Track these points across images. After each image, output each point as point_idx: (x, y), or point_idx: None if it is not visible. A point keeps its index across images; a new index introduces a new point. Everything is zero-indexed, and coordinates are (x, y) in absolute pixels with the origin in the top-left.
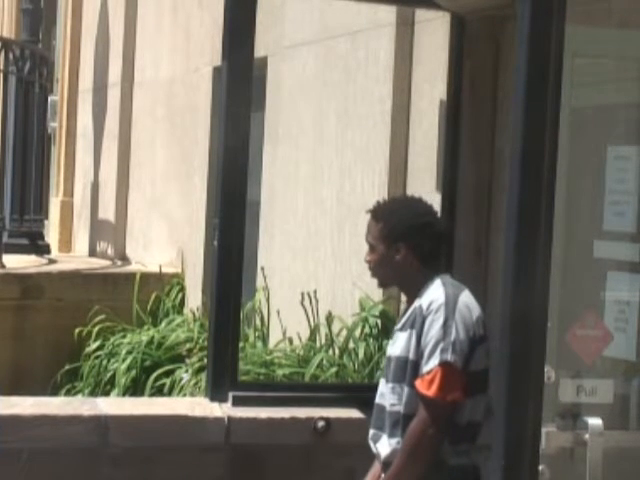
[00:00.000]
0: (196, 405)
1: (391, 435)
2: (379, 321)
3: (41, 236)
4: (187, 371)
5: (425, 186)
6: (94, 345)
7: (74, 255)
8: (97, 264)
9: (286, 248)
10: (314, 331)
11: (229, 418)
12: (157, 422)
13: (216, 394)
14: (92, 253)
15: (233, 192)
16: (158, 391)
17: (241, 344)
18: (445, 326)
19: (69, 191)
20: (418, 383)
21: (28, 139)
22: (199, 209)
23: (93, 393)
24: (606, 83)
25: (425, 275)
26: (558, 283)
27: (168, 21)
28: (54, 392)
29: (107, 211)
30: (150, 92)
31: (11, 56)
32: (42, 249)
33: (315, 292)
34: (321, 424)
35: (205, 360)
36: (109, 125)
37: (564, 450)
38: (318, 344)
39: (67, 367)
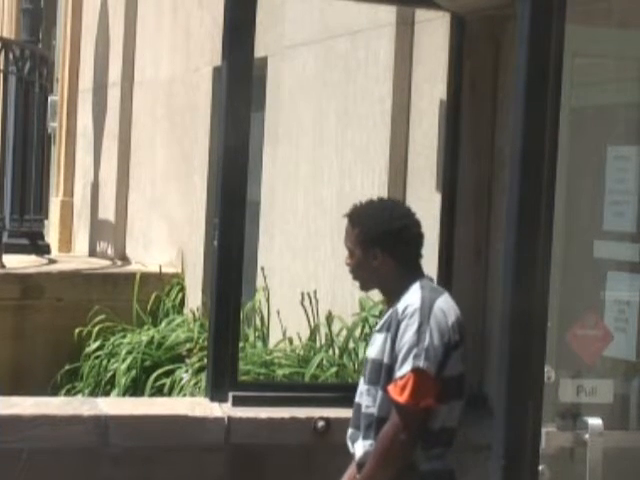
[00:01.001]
0: (196, 405)
1: (365, 437)
2: (379, 321)
3: (41, 236)
4: (187, 371)
5: (425, 186)
6: (94, 345)
7: (74, 255)
8: (97, 264)
9: (286, 248)
10: (314, 331)
11: (229, 418)
12: (157, 422)
13: (216, 394)
14: (92, 253)
15: (233, 192)
16: (158, 391)
17: (241, 344)
18: (419, 331)
19: (69, 191)
20: (391, 388)
21: (28, 139)
22: (199, 209)
23: (93, 393)
24: (606, 83)
25: (404, 279)
26: (558, 283)
27: (168, 21)
28: (54, 392)
29: (107, 211)
30: (150, 92)
31: (11, 56)
32: (42, 249)
33: (315, 292)
34: (321, 424)
35: (205, 360)
36: (109, 125)
37: (564, 450)
38: (318, 344)
39: (67, 367)
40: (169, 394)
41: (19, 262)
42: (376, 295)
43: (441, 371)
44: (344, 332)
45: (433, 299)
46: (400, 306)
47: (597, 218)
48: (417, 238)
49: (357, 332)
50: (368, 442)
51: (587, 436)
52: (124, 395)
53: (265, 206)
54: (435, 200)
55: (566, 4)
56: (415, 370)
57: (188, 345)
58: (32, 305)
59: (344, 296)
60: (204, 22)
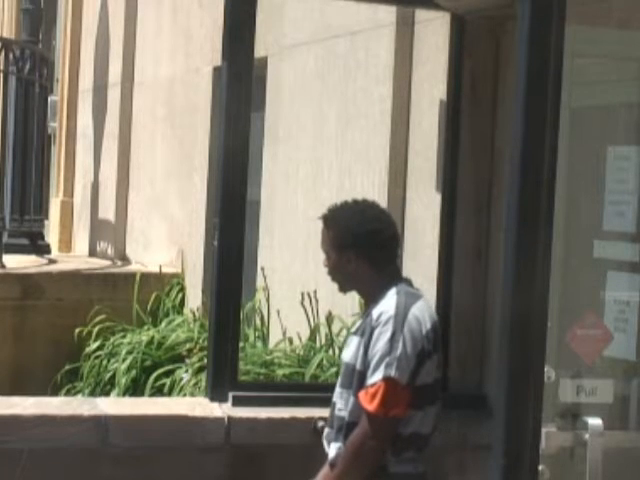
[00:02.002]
0: (196, 405)
1: (335, 439)
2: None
3: (41, 236)
4: (187, 371)
5: (425, 186)
6: (94, 345)
7: (74, 255)
8: (97, 264)
9: (286, 248)
10: (314, 331)
11: (229, 418)
12: (157, 422)
13: (216, 394)
14: (92, 253)
15: (233, 192)
16: (158, 391)
17: (241, 344)
18: (392, 340)
19: (69, 191)
20: (361, 395)
21: (28, 139)
22: (199, 209)
23: (93, 393)
24: (606, 83)
25: (380, 282)
26: (558, 283)
27: (168, 21)
28: (54, 392)
29: (107, 211)
30: (150, 92)
31: (11, 56)
32: (42, 249)
33: (315, 292)
34: (321, 424)
35: (205, 360)
36: (109, 125)
37: (564, 450)
38: (318, 344)
39: (67, 367)
40: (169, 394)
41: (19, 262)
42: None
43: (413, 380)
44: (344, 332)
45: (408, 306)
46: (375, 312)
47: (597, 218)
48: (391, 240)
49: None
50: (337, 445)
51: (587, 436)
52: (124, 395)
53: (265, 206)
54: (435, 200)
55: (566, 4)
56: (386, 379)
57: (188, 345)
58: (32, 305)
59: (344, 296)
60: (204, 22)
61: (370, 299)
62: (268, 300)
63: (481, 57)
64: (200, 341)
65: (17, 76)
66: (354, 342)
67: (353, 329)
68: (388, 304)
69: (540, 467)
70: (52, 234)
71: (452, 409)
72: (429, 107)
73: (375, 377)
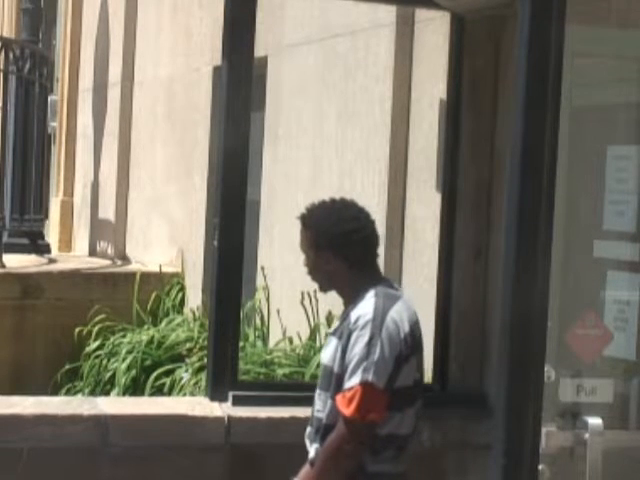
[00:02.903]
0: (196, 405)
1: (314, 440)
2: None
3: (41, 236)
4: (187, 371)
5: (425, 186)
6: (94, 345)
7: (74, 255)
8: (97, 264)
9: (286, 248)
10: (314, 331)
11: (229, 418)
12: (157, 422)
13: (216, 394)
14: (92, 253)
15: (233, 192)
16: (158, 391)
17: (241, 344)
18: (370, 344)
19: (69, 191)
20: (339, 399)
21: (28, 139)
22: (199, 209)
23: (93, 393)
24: (606, 83)
25: (359, 281)
26: (558, 283)
27: (168, 21)
28: (54, 392)
29: (107, 211)
30: (150, 92)
31: (11, 56)
32: (42, 249)
33: (315, 292)
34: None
35: (205, 360)
36: (109, 125)
37: (564, 450)
38: (318, 344)
39: (67, 367)
40: (169, 394)
41: (19, 262)
42: None
43: (391, 384)
44: None
45: (386, 310)
46: (353, 315)
47: (597, 218)
48: (369, 240)
49: None
50: (315, 445)
51: (587, 436)
52: (124, 395)
53: (265, 206)
54: (435, 200)
55: (566, 4)
56: (363, 384)
57: (188, 345)
58: (32, 305)
59: None
60: (204, 22)
61: (349, 300)
62: (268, 300)
63: (481, 57)
64: (200, 341)
65: (17, 76)
66: (332, 344)
67: (332, 329)
68: (366, 307)
69: (540, 467)
70: (52, 234)
71: (452, 409)
72: (429, 107)
73: (352, 381)
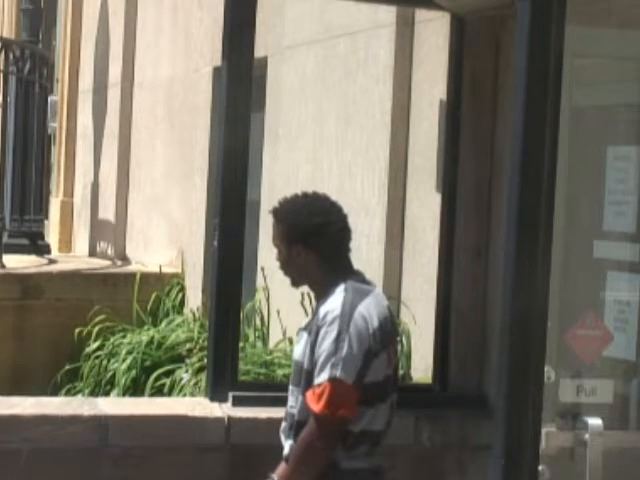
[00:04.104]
0: (196, 405)
1: (288, 436)
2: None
3: (41, 236)
4: (187, 371)
5: (425, 186)
6: (94, 345)
7: (74, 255)
8: (97, 264)
9: None
10: None
11: (229, 418)
12: (157, 422)
13: (216, 394)
14: (92, 253)
15: (233, 192)
16: (158, 391)
17: (241, 344)
18: (338, 340)
19: (69, 191)
20: (309, 395)
21: (28, 139)
22: (199, 209)
23: (93, 393)
24: (606, 83)
25: (330, 276)
26: (558, 283)
27: (168, 21)
28: (54, 392)
29: (107, 211)
30: (150, 92)
31: (11, 56)
32: (42, 249)
33: None
34: None
35: (205, 360)
36: (109, 125)
37: (564, 450)
38: None
39: (67, 367)
40: (169, 394)
41: (19, 262)
42: None
43: (361, 379)
44: None
45: (354, 305)
46: (322, 310)
47: (597, 218)
48: (341, 233)
49: None
50: (289, 442)
51: (587, 436)
52: (124, 395)
53: (265, 206)
54: (435, 200)
55: (566, 4)
56: (332, 380)
57: (188, 345)
58: (32, 305)
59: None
60: (204, 22)
61: (320, 294)
62: (268, 300)
63: (481, 57)
64: (200, 341)
65: (17, 76)
66: (303, 339)
67: (303, 325)
68: (334, 303)
69: (540, 467)
70: (52, 234)
71: (452, 409)
72: (429, 107)
73: (321, 377)
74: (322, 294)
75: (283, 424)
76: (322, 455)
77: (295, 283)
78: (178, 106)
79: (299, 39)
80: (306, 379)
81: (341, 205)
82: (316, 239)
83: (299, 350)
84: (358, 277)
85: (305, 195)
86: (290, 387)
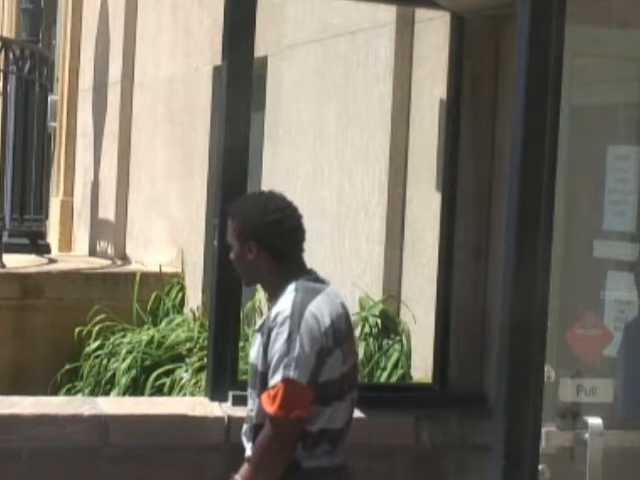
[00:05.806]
0: (196, 405)
1: (248, 439)
2: (379, 320)
3: (41, 236)
4: (187, 371)
5: (425, 186)
6: (94, 345)
7: (74, 255)
8: (97, 264)
9: None
10: None
11: (229, 418)
12: (157, 422)
13: (216, 394)
14: (92, 253)
15: (233, 192)
16: (158, 391)
17: (241, 344)
18: (289, 340)
19: (69, 191)
20: (263, 398)
21: (28, 139)
22: (199, 209)
23: (93, 393)
24: (606, 83)
25: (282, 274)
26: (558, 283)
27: (168, 20)
28: (54, 392)
29: (107, 211)
30: (150, 91)
31: (11, 56)
32: (42, 249)
33: None
34: None
35: (205, 360)
36: (109, 124)
37: (564, 450)
38: None
39: (67, 367)
40: (169, 394)
41: (19, 262)
42: (376, 295)
43: (315, 378)
44: None
45: (305, 304)
46: (273, 311)
47: (597, 218)
48: (293, 232)
49: (357, 332)
50: (250, 445)
51: (587, 435)
52: (124, 395)
53: None
54: (435, 200)
55: (566, 4)
56: (285, 380)
57: (188, 345)
58: (32, 305)
59: (344, 296)
60: (204, 22)
61: (272, 294)
62: (268, 300)
63: (481, 57)
64: (200, 341)
65: (17, 75)
66: (257, 341)
67: (257, 326)
68: (285, 303)
69: (540, 467)
70: (52, 234)
71: (452, 409)
72: (429, 107)
73: (275, 379)
74: (274, 294)
75: (244, 426)
76: (280, 457)
77: (247, 281)
78: (178, 106)
79: (299, 38)
80: (261, 381)
81: (297, 206)
82: (268, 236)
83: (253, 352)
84: (310, 276)
85: (261, 193)
86: (248, 390)
